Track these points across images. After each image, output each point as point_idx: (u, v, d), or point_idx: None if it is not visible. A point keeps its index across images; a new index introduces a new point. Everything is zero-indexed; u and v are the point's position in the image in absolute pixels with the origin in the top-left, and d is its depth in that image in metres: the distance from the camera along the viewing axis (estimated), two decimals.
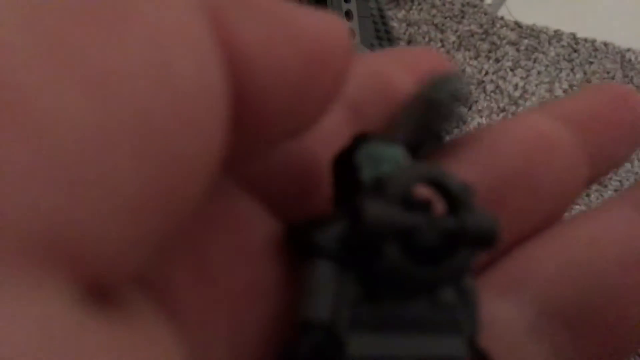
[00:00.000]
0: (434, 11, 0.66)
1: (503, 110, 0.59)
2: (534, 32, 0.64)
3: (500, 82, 0.61)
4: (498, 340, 0.12)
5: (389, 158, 0.11)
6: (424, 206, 0.10)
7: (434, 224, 0.10)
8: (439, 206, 0.10)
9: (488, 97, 0.59)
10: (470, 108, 0.56)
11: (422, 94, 0.12)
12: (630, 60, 0.64)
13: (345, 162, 0.11)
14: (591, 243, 0.13)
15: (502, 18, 0.66)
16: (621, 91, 0.14)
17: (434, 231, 0.10)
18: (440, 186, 0.10)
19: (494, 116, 0.58)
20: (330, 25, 0.10)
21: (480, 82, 0.60)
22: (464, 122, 0.13)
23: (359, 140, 0.11)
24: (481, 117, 0.58)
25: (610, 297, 0.12)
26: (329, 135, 0.12)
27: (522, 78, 0.61)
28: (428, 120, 0.12)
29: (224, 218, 0.11)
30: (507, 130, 0.14)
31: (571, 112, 0.14)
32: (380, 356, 0.10)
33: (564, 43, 0.64)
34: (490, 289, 0.12)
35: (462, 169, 0.13)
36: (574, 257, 0.13)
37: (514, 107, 0.59)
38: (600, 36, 0.65)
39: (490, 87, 0.60)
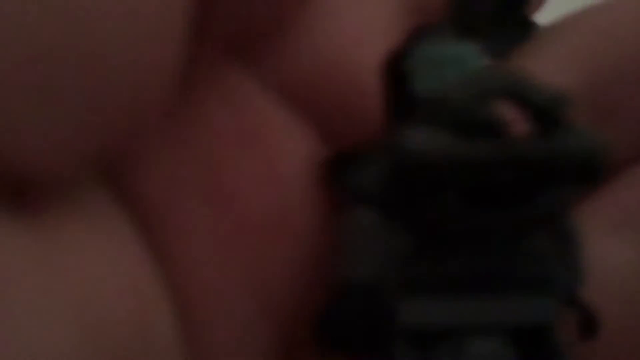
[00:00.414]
0: None
1: None
2: None
3: None
4: (609, 290, 0.09)
5: (454, 60, 0.08)
6: (498, 131, 0.08)
7: (510, 153, 0.07)
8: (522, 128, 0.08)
9: None
10: None
11: None
12: None
13: (399, 66, 0.09)
14: None
15: None
16: None
17: (510, 164, 0.07)
18: (522, 100, 0.07)
19: None
20: None
21: None
22: None
23: (415, 37, 0.09)
24: None
25: None
26: (379, 31, 0.10)
27: None
28: None
29: (249, 132, 0.09)
30: (617, 5, 0.10)
31: None
32: (439, 324, 0.08)
33: None
34: (598, 224, 0.10)
35: (556, 66, 0.10)
36: None
37: None
38: None
39: None
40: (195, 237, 0.09)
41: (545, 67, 0.10)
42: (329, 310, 0.08)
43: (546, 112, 0.07)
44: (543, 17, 0.12)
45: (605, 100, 0.10)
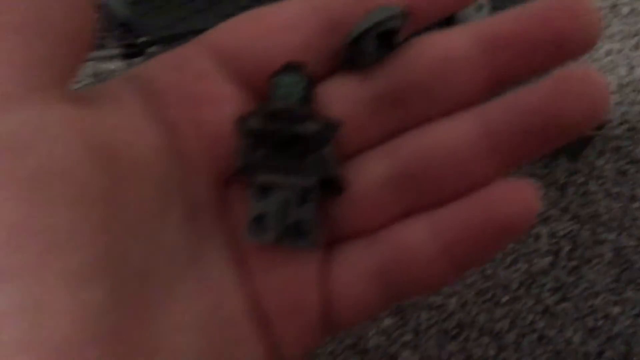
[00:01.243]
0: None
1: (637, 34, 0.54)
2: None
3: (637, 5, 0.56)
4: (366, 181, 0.19)
5: (288, 84, 0.19)
6: (292, 119, 0.19)
7: (278, 129, 0.18)
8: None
9: (622, 21, 0.54)
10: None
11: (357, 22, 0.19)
12: None
13: (271, 83, 0.19)
14: (435, 142, 0.19)
15: None
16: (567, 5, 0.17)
17: (283, 133, 0.19)
18: (289, 110, 0.19)
19: (627, 41, 0.54)
20: None
21: (614, 6, 0.56)
22: (392, 48, 0.19)
23: (276, 72, 0.19)
24: (612, 42, 0.54)
25: (435, 177, 0.19)
26: (296, 42, 0.19)
27: None
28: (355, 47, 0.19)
29: (214, 96, 0.19)
30: (426, 47, 0.19)
31: (490, 31, 0.18)
32: (271, 183, 0.19)
33: None
34: (377, 153, 0.19)
35: (388, 80, 0.19)
36: (424, 148, 0.19)
37: None
38: None
39: (625, 10, 0.56)
40: None
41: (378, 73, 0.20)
42: (231, 177, 0.19)
43: (298, 114, 0.19)
44: None
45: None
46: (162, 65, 0.19)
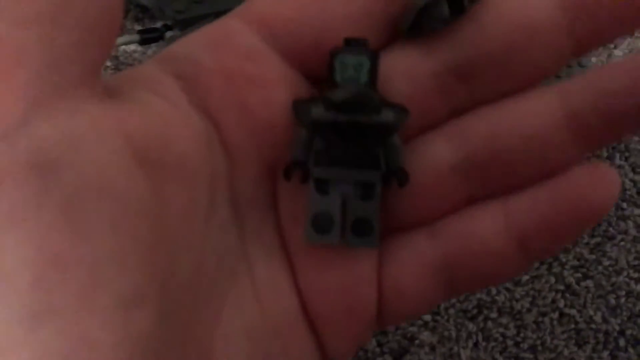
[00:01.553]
0: None
1: None
2: None
3: None
4: (429, 167, 0.18)
5: (354, 66, 0.17)
6: (364, 109, 0.17)
7: (352, 121, 0.17)
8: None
9: None
10: None
11: None
12: None
13: (331, 61, 0.17)
14: (512, 124, 0.17)
15: None
16: None
17: (352, 125, 0.17)
18: (361, 98, 0.17)
19: None
20: None
21: None
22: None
23: (336, 49, 0.17)
24: None
25: (509, 161, 0.17)
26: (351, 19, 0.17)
27: None
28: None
29: (262, 77, 0.17)
30: (502, 10, 0.17)
31: None
32: (330, 177, 0.18)
33: None
34: (442, 134, 0.18)
35: (458, 51, 0.17)
36: (497, 130, 0.17)
37: None
38: None
39: None
40: None
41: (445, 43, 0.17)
42: (285, 169, 0.18)
43: (371, 102, 0.18)
44: None
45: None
46: (201, 44, 0.17)
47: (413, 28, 0.17)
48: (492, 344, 0.38)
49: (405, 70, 0.17)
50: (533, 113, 0.17)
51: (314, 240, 0.18)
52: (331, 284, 0.18)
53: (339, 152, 0.18)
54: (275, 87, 0.17)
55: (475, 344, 0.38)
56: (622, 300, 0.39)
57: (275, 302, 0.18)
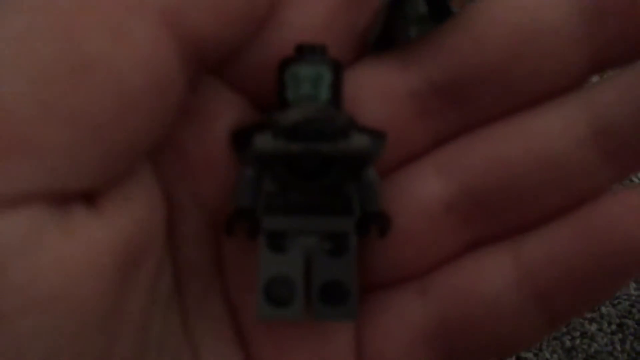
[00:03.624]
0: None
1: None
2: None
3: None
4: (416, 207, 0.14)
5: (311, 79, 0.13)
6: (326, 134, 0.13)
7: (311, 151, 0.13)
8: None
9: None
10: None
11: None
12: None
13: (281, 75, 0.13)
14: (520, 149, 0.13)
15: None
16: None
17: (310, 157, 0.13)
18: (323, 121, 0.13)
19: None
20: None
21: None
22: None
23: (287, 59, 0.13)
24: None
25: (521, 194, 0.13)
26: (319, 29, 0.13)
27: None
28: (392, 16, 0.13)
29: (197, 108, 0.13)
30: (501, 10, 0.13)
31: None
32: (286, 230, 0.14)
33: None
34: (429, 164, 0.14)
35: (443, 64, 0.13)
36: (504, 156, 0.13)
37: None
38: None
39: None
40: None
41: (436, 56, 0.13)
42: (227, 222, 0.13)
43: (338, 126, 0.13)
44: None
45: None
46: None
47: (383, 39, 0.13)
48: None
49: (377, 89, 0.14)
50: (550, 130, 0.13)
51: (268, 316, 0.13)
52: None
53: (297, 194, 0.13)
54: (212, 118, 0.13)
55: None
56: (577, 341, 0.38)
57: None
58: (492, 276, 0.13)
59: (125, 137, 0.11)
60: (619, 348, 0.38)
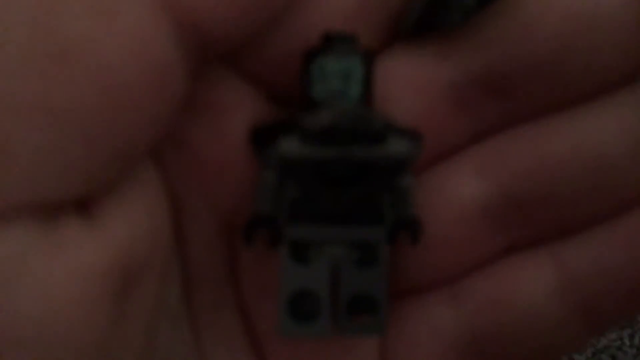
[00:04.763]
0: None
1: None
2: None
3: None
4: (451, 209, 0.13)
5: (340, 73, 0.12)
6: (359, 138, 0.12)
7: (344, 158, 0.12)
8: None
9: None
10: None
11: None
12: None
13: (305, 70, 0.12)
14: (568, 148, 0.12)
15: None
16: None
17: (342, 163, 0.12)
18: (358, 124, 0.12)
19: None
20: None
21: None
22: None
23: (313, 49, 0.12)
24: None
25: (567, 198, 0.12)
26: (330, 16, 0.12)
27: None
28: None
29: (209, 102, 0.12)
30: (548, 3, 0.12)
31: None
32: (310, 240, 0.12)
33: None
34: (467, 163, 0.13)
35: (486, 53, 0.12)
36: (550, 156, 0.12)
37: None
38: None
39: None
40: None
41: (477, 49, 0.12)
42: (246, 229, 0.12)
43: (374, 131, 0.12)
44: None
45: None
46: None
47: (421, 24, 0.12)
48: None
49: (412, 80, 0.12)
50: (603, 130, 0.12)
51: (292, 333, 0.12)
52: None
53: (324, 201, 0.12)
54: (225, 113, 0.12)
55: None
56: None
57: None
58: (532, 284, 0.13)
59: (117, 136, 0.10)
60: (627, 343, 0.37)
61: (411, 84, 0.12)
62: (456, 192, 0.13)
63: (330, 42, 0.12)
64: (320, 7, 0.12)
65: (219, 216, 0.12)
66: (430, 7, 0.12)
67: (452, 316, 0.13)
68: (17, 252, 0.09)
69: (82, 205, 0.10)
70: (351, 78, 0.12)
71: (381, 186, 0.12)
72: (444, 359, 0.13)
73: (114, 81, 0.09)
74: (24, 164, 0.09)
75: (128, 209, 0.10)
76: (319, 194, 0.12)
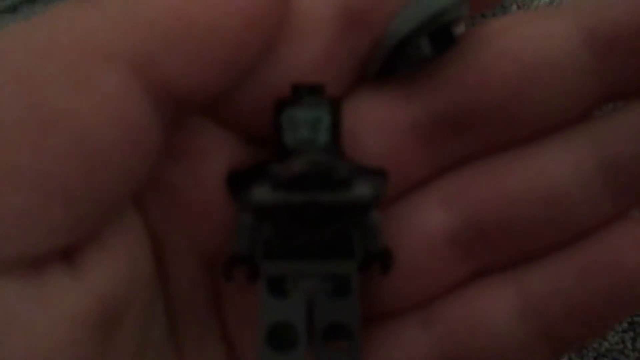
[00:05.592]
0: None
1: None
2: None
3: None
4: (420, 239, 0.14)
5: (308, 122, 0.13)
6: (328, 183, 0.13)
7: (312, 203, 0.13)
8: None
9: None
10: None
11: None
12: None
13: (276, 119, 0.13)
14: (523, 182, 0.13)
15: None
16: None
17: (311, 207, 0.13)
18: (324, 171, 0.13)
19: None
20: None
21: None
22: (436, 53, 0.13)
23: (283, 100, 0.13)
24: None
25: (526, 228, 0.13)
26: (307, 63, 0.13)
27: None
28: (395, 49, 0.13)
29: (188, 148, 0.13)
30: (505, 41, 0.13)
31: (604, 18, 0.12)
32: (286, 274, 0.14)
33: None
34: (433, 195, 0.14)
35: (445, 95, 0.13)
36: (508, 189, 0.13)
37: None
38: None
39: None
40: None
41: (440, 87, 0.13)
42: (224, 268, 0.14)
43: (339, 176, 0.13)
44: None
45: None
46: None
47: (384, 70, 0.13)
48: None
49: (378, 120, 0.13)
50: (555, 165, 0.13)
51: None
52: None
53: (297, 239, 0.13)
54: (203, 157, 0.13)
55: None
56: None
57: None
58: (496, 308, 0.13)
59: (96, 192, 0.11)
60: (630, 346, 0.37)
61: (378, 124, 0.13)
62: (424, 223, 0.14)
63: (299, 93, 0.13)
64: (290, 58, 0.13)
65: (201, 254, 0.13)
66: (392, 55, 0.13)
67: (424, 339, 0.14)
68: (6, 304, 0.10)
69: (66, 254, 0.11)
70: (319, 126, 0.13)
71: (350, 224, 0.13)
72: None
73: (94, 145, 0.10)
74: (10, 224, 0.10)
75: (109, 255, 0.11)
76: (292, 233, 0.13)
